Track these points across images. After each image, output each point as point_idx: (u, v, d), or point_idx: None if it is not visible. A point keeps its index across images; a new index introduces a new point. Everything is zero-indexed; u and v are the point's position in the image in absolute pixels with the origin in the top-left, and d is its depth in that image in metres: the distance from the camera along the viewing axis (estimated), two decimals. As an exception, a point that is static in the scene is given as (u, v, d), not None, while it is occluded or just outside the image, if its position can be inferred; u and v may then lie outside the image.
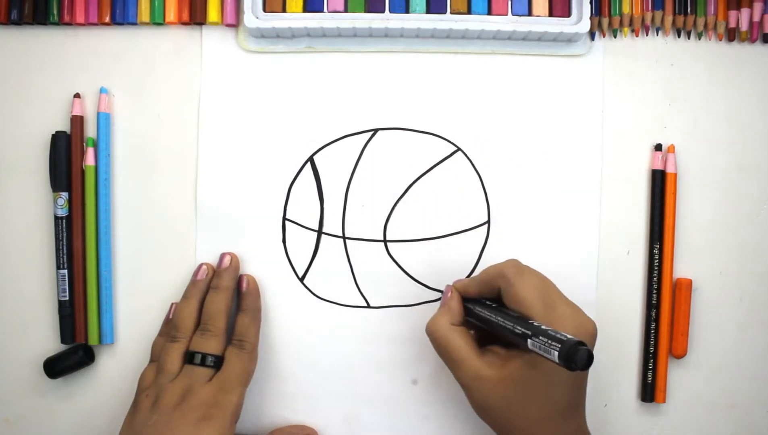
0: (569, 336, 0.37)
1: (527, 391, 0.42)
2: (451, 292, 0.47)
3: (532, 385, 0.42)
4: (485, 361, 0.43)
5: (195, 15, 0.50)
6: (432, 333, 0.45)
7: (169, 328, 0.49)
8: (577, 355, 0.35)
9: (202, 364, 0.46)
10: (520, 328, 0.40)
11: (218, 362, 0.47)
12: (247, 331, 0.48)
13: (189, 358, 0.47)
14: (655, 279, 0.51)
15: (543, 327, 0.39)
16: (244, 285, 0.50)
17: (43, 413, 0.51)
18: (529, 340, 0.39)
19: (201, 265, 0.50)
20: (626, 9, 0.51)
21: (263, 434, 0.51)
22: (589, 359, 0.36)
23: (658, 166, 0.51)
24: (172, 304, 0.50)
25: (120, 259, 0.51)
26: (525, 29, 0.49)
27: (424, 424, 0.51)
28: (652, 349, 0.51)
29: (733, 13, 0.51)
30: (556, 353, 0.36)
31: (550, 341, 0.37)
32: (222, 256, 0.50)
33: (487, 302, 0.45)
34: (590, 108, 0.51)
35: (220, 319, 0.48)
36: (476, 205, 0.51)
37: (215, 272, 0.50)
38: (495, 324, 0.43)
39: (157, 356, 0.49)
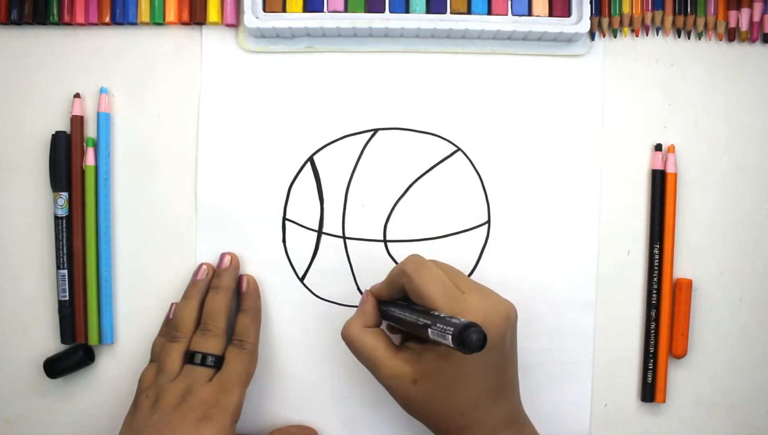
0: (462, 320, 0.36)
1: (444, 382, 0.42)
2: (366, 296, 0.47)
3: (448, 375, 0.42)
4: (401, 359, 0.43)
5: (195, 15, 0.50)
6: (345, 337, 0.45)
7: (169, 328, 0.49)
8: (469, 337, 0.35)
9: (203, 363, 0.46)
10: (422, 320, 0.40)
11: (218, 362, 0.47)
12: (248, 331, 0.48)
13: (189, 358, 0.47)
14: (655, 279, 0.51)
15: (441, 315, 0.39)
16: (244, 285, 0.50)
17: (43, 413, 0.51)
18: (429, 330, 0.39)
19: (201, 265, 0.50)
20: (626, 9, 0.51)
21: (263, 434, 0.51)
22: (483, 340, 0.35)
23: (658, 166, 0.51)
24: (172, 304, 0.50)
25: (120, 259, 0.51)
26: (525, 29, 0.49)
27: (423, 425, 0.51)
28: (652, 349, 0.51)
29: (733, 13, 0.51)
30: (450, 338, 0.36)
31: (444, 327, 0.37)
32: (222, 255, 0.50)
33: (399, 302, 0.45)
34: (590, 108, 0.51)
35: (220, 318, 0.48)
36: (476, 205, 0.51)
37: (215, 272, 0.50)
38: (404, 321, 0.43)
39: (157, 356, 0.48)
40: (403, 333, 0.47)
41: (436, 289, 0.42)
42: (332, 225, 0.51)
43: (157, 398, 0.45)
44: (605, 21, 0.51)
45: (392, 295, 0.46)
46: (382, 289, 0.46)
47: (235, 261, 0.50)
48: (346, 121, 0.51)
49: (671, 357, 0.52)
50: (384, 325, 0.47)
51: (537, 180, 0.51)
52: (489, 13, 0.50)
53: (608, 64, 0.52)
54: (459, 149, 0.51)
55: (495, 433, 0.43)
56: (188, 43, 0.51)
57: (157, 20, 0.50)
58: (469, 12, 0.50)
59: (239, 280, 0.50)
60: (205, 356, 0.46)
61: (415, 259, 0.44)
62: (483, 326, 0.38)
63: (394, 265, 0.51)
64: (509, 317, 0.43)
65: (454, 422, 0.43)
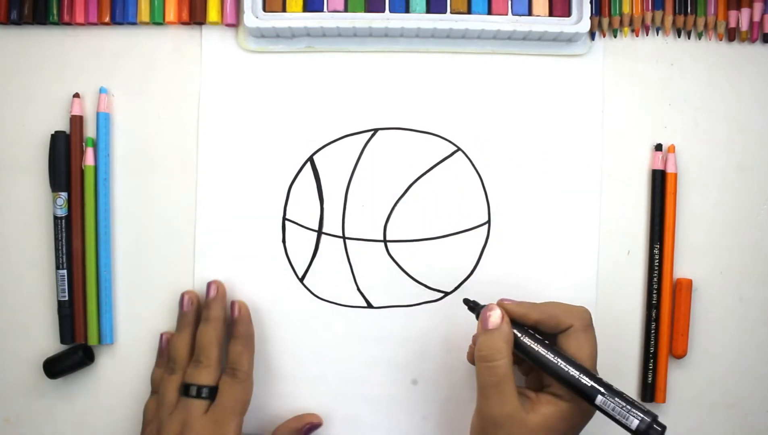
0: (646, 408, 0.37)
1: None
2: (501, 313, 0.43)
3: (562, 433, 0.42)
4: (519, 400, 0.41)
5: (195, 15, 0.50)
6: (490, 357, 0.41)
7: (164, 358, 0.49)
8: (657, 431, 0.37)
9: (198, 395, 0.46)
10: (588, 380, 0.40)
11: (213, 393, 0.47)
12: (240, 359, 0.48)
13: (184, 390, 0.47)
14: (655, 279, 0.51)
15: (615, 387, 0.39)
16: (236, 312, 0.49)
17: (43, 413, 0.51)
18: (599, 396, 0.39)
19: (182, 295, 0.50)
20: (626, 9, 0.51)
21: (264, 434, 0.51)
22: None
23: (658, 166, 0.51)
24: (162, 334, 0.50)
25: (120, 259, 0.51)
26: (525, 29, 0.49)
27: (423, 424, 0.51)
28: (652, 349, 0.51)
29: (733, 13, 0.51)
30: (636, 422, 0.37)
31: (628, 407, 0.38)
32: (208, 285, 0.50)
33: (538, 336, 0.43)
34: (590, 108, 0.51)
35: (211, 349, 0.47)
36: (476, 205, 0.51)
37: (204, 303, 0.50)
38: (548, 364, 0.41)
39: (156, 388, 0.49)
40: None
41: (595, 353, 0.42)
42: (332, 225, 0.51)
43: (158, 432, 0.46)
44: (605, 21, 0.51)
45: (540, 323, 0.43)
46: (531, 312, 0.43)
47: (221, 290, 0.50)
48: (346, 121, 0.51)
49: (671, 357, 0.52)
50: None
51: (537, 180, 0.51)
52: (489, 13, 0.50)
53: (608, 64, 0.52)
54: (459, 149, 0.51)
55: None
56: (188, 43, 0.51)
57: (157, 20, 0.50)
58: (469, 12, 0.50)
59: (231, 306, 0.50)
60: (199, 388, 0.46)
61: (589, 313, 0.43)
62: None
63: (394, 265, 0.51)
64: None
65: None
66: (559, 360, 0.41)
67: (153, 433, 0.46)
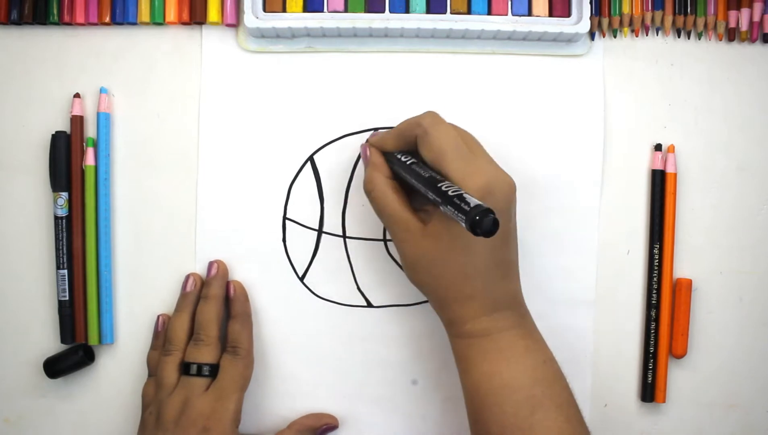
0: (474, 202, 0.36)
1: (451, 243, 0.42)
2: (369, 149, 0.46)
3: (456, 236, 0.42)
4: (415, 215, 0.43)
5: (195, 15, 0.50)
6: (371, 191, 0.45)
7: (161, 341, 0.49)
8: (483, 221, 0.35)
9: (198, 374, 0.47)
10: (431, 195, 0.40)
11: (214, 371, 0.47)
12: (239, 337, 0.48)
13: (185, 369, 0.47)
14: (655, 279, 0.51)
15: (450, 192, 0.38)
16: (231, 291, 0.50)
17: (43, 413, 0.51)
18: (440, 207, 0.39)
19: (188, 276, 0.50)
20: (626, 9, 0.51)
21: (265, 434, 0.51)
22: (494, 226, 0.35)
23: (658, 166, 0.51)
24: (159, 316, 0.50)
25: (120, 259, 0.51)
26: (525, 29, 0.49)
27: (423, 424, 0.51)
28: (652, 349, 0.51)
29: (733, 13, 0.51)
30: (463, 217, 0.36)
31: (456, 212, 0.37)
32: (210, 264, 0.50)
33: (403, 159, 0.44)
34: (590, 108, 0.51)
35: (211, 327, 0.48)
36: (476, 205, 0.51)
37: (204, 282, 0.50)
38: (410, 182, 0.43)
39: (154, 370, 0.49)
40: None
41: (449, 146, 0.42)
42: (332, 224, 0.51)
43: (158, 414, 0.46)
44: (605, 21, 0.51)
45: (398, 146, 0.45)
46: (388, 140, 0.46)
47: (222, 268, 0.50)
48: (346, 120, 0.51)
49: (671, 357, 0.52)
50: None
51: (537, 180, 0.51)
52: (489, 13, 0.50)
53: (608, 64, 0.52)
54: (459, 149, 0.51)
55: (498, 311, 0.43)
56: (188, 43, 0.51)
57: (157, 20, 0.50)
58: (469, 12, 0.50)
59: (227, 287, 0.50)
60: (200, 366, 0.47)
61: (432, 114, 0.44)
62: (489, 190, 0.39)
63: (394, 264, 0.51)
64: (513, 187, 0.43)
65: (459, 288, 0.43)
66: (413, 180, 0.42)
67: (153, 415, 0.46)
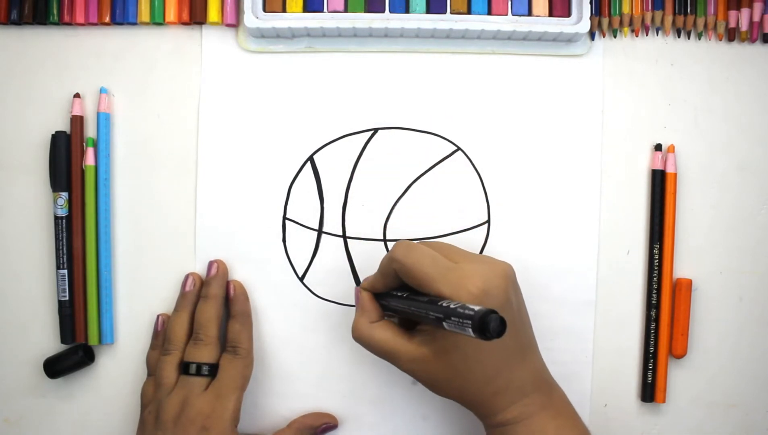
0: (476, 308, 0.36)
1: (463, 355, 0.42)
2: (360, 293, 0.46)
3: (466, 347, 0.42)
4: (417, 342, 0.43)
5: (195, 15, 0.50)
6: (358, 338, 0.45)
7: (160, 340, 0.49)
8: (490, 326, 0.35)
9: (198, 373, 0.47)
10: (432, 314, 0.40)
11: (213, 371, 0.47)
12: (239, 337, 0.48)
13: (184, 368, 0.47)
14: (655, 279, 0.51)
15: (452, 306, 0.38)
16: (231, 291, 0.50)
17: (43, 413, 0.51)
18: (444, 323, 0.38)
19: (188, 275, 0.50)
20: (626, 9, 0.51)
21: (264, 434, 0.51)
22: (502, 325, 0.35)
23: (658, 166, 0.51)
24: (158, 316, 0.50)
25: (120, 259, 0.51)
26: (525, 29, 0.49)
27: (423, 424, 0.51)
28: (652, 349, 0.51)
29: (733, 13, 0.51)
30: (470, 330, 0.36)
31: (461, 320, 0.36)
32: (210, 264, 0.50)
33: (398, 294, 0.45)
34: (590, 108, 0.51)
35: (211, 327, 0.48)
36: (476, 205, 0.51)
37: (204, 281, 0.50)
38: (411, 314, 0.43)
39: (153, 370, 0.49)
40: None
41: (428, 265, 0.42)
42: (332, 224, 0.51)
43: (158, 413, 0.46)
44: (605, 21, 0.51)
45: (387, 285, 0.45)
46: (376, 281, 0.46)
47: (222, 268, 0.50)
48: (346, 120, 0.51)
49: (671, 357, 0.52)
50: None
51: (537, 180, 0.51)
52: (489, 13, 0.50)
53: (608, 64, 0.52)
54: (459, 149, 0.51)
55: (524, 397, 0.43)
56: (188, 43, 0.51)
57: (157, 20, 0.50)
58: (469, 12, 0.50)
59: (226, 286, 0.50)
60: (199, 366, 0.47)
61: (402, 243, 0.44)
62: (484, 289, 0.39)
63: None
64: (507, 275, 0.43)
65: (482, 391, 0.43)
66: (412, 308, 0.42)
67: (152, 414, 0.46)
